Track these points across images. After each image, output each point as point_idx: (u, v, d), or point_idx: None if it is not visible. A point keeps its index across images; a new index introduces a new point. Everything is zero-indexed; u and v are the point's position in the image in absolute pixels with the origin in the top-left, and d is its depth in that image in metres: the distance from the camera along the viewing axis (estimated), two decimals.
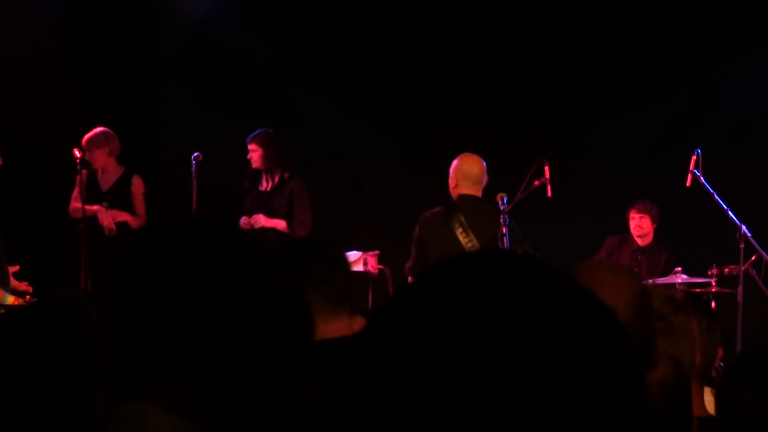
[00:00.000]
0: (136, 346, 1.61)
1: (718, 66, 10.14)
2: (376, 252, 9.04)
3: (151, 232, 1.72)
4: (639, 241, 9.32)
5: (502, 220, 8.03)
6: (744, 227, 8.48)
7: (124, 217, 8.75)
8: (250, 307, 1.61)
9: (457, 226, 7.37)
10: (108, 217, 8.68)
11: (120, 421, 1.61)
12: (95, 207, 8.70)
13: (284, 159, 8.76)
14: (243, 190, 8.87)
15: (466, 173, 7.63)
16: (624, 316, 2.09)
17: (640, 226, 9.30)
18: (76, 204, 8.70)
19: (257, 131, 8.80)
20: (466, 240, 7.30)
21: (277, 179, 8.74)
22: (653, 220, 9.31)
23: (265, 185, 8.76)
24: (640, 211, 9.29)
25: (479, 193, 7.63)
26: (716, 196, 8.49)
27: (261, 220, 8.58)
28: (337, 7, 10.72)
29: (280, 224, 8.63)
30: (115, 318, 1.64)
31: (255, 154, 8.71)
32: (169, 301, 1.60)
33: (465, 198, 7.53)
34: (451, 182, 7.66)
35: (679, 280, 8.65)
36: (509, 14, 10.50)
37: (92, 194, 8.76)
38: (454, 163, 7.70)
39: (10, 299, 6.20)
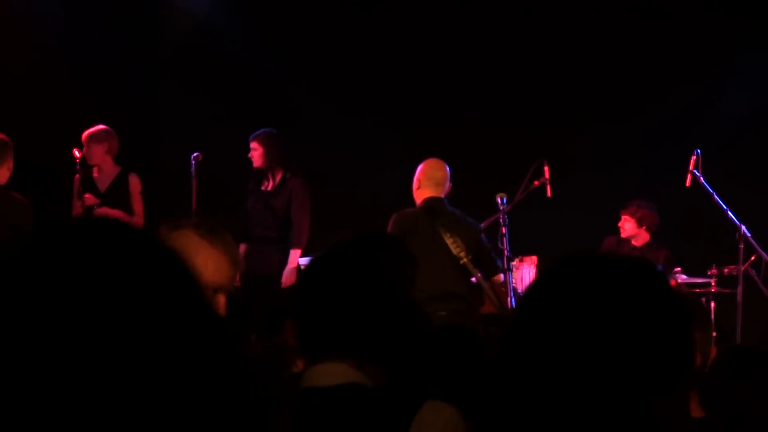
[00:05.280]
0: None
1: (718, 66, 10.14)
2: None
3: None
4: (634, 241, 9.32)
5: (501, 220, 8.04)
6: (743, 227, 8.48)
7: (115, 215, 8.71)
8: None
9: (440, 227, 7.35)
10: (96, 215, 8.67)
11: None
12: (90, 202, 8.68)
13: (286, 159, 8.71)
14: (246, 189, 8.84)
15: (429, 175, 7.59)
16: None
17: (623, 227, 9.31)
18: (76, 212, 8.70)
19: (260, 130, 8.78)
20: (451, 241, 7.30)
21: (278, 179, 8.71)
22: (639, 223, 9.26)
23: (266, 185, 8.74)
24: (624, 213, 9.30)
25: (442, 196, 7.61)
26: (716, 196, 8.49)
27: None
28: (336, 7, 10.72)
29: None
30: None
31: (256, 153, 8.69)
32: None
33: (435, 200, 7.51)
34: (415, 184, 7.63)
35: (679, 281, 8.66)
36: (509, 14, 10.50)
37: (91, 195, 8.75)
38: (419, 167, 7.68)
39: None
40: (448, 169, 7.59)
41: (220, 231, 3.35)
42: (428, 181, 7.55)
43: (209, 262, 3.24)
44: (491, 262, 7.52)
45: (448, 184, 7.58)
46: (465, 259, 7.29)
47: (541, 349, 1.54)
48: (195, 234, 3.26)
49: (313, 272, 2.73)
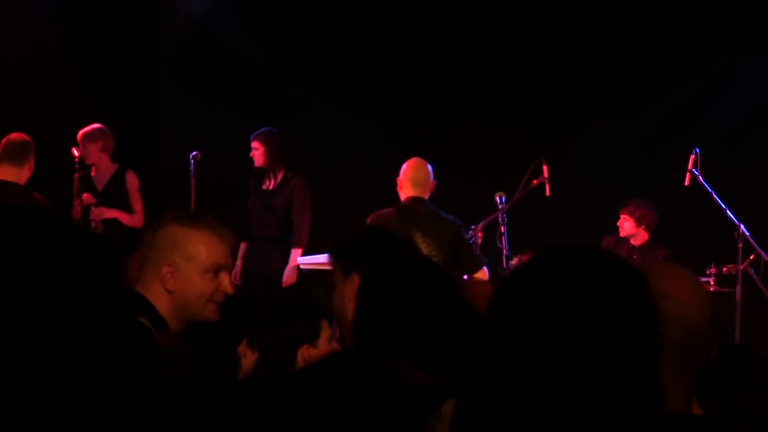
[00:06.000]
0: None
1: (717, 64, 10.14)
2: None
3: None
4: (632, 241, 9.33)
5: (500, 219, 8.04)
6: (742, 226, 8.49)
7: (112, 214, 8.71)
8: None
9: (412, 227, 7.36)
10: (93, 214, 8.66)
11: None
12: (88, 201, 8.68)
13: (287, 158, 8.75)
14: (247, 188, 8.86)
15: (410, 175, 7.61)
16: (702, 315, 2.12)
17: (621, 226, 9.32)
18: (76, 211, 8.71)
19: (261, 130, 8.80)
20: (421, 241, 7.30)
21: (279, 178, 8.74)
22: (638, 222, 9.26)
23: (267, 184, 8.76)
24: (623, 213, 9.31)
25: (425, 195, 7.61)
26: (715, 195, 8.50)
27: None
28: (335, 6, 10.72)
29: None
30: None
31: (257, 152, 8.71)
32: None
33: (414, 200, 7.52)
34: (398, 184, 7.66)
35: None
36: (508, 13, 10.50)
37: (89, 194, 8.75)
38: (402, 166, 7.70)
39: None
40: (429, 168, 7.59)
41: (199, 214, 3.41)
42: (408, 181, 7.57)
43: (200, 245, 3.30)
44: (473, 258, 7.48)
45: (431, 182, 7.57)
46: (435, 259, 7.28)
47: (513, 343, 1.57)
48: (177, 226, 3.32)
49: (374, 278, 2.75)
